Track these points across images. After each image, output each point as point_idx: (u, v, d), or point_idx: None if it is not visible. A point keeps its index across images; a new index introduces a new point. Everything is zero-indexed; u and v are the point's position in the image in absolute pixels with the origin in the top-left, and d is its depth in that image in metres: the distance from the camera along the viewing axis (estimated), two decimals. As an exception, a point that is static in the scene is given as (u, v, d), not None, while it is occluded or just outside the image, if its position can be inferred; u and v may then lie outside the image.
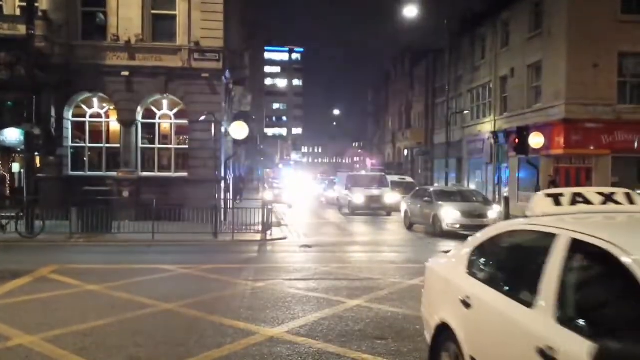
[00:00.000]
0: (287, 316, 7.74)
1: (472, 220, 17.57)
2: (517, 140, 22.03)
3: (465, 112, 35.88)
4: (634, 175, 24.34)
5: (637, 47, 23.90)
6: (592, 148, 24.03)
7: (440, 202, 18.60)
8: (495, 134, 30.39)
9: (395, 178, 32.76)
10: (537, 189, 23.48)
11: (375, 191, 27.24)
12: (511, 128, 26.54)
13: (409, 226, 20.84)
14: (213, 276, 10.74)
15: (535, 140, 22.43)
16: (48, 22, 20.02)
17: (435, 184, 35.64)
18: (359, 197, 26.71)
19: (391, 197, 27.20)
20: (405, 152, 54.02)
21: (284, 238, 17.62)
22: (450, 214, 17.90)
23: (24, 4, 17.90)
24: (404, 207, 21.73)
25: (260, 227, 17.58)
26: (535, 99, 27.21)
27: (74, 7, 21.37)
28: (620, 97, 24.19)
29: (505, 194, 27.48)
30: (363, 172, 42.04)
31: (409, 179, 34.80)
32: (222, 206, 20.75)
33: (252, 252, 14.83)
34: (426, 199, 19.47)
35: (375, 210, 26.96)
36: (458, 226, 17.63)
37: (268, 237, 16.99)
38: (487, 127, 32.64)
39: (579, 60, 23.70)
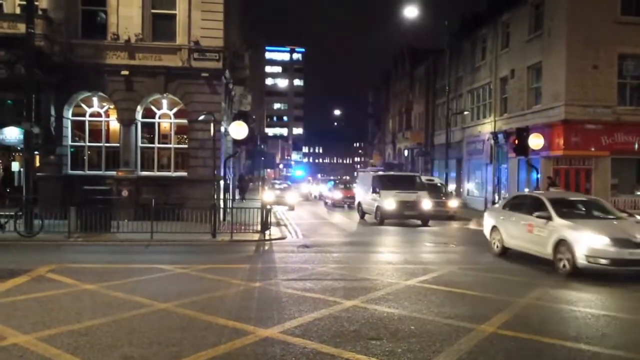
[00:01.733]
0: (282, 316, 7.75)
1: (632, 251, 11.03)
2: (516, 141, 22.03)
3: (466, 112, 35.89)
4: (633, 177, 24.40)
5: (637, 48, 23.94)
6: (591, 149, 24.04)
7: (568, 221, 12.14)
8: (495, 134, 30.40)
9: (422, 179, 27.44)
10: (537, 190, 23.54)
11: (410, 195, 22.77)
12: (511, 129, 26.56)
13: (502, 251, 14.31)
14: (210, 276, 10.75)
15: (535, 141, 22.42)
16: (48, 21, 20.02)
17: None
18: (390, 202, 22.42)
19: (428, 202, 23.00)
20: (406, 152, 54.00)
21: (283, 238, 17.64)
22: (591, 241, 11.27)
23: (24, 2, 17.88)
24: (489, 221, 15.29)
25: (259, 227, 17.60)
26: (535, 100, 27.21)
27: (74, 6, 21.36)
28: (620, 98, 24.22)
29: (505, 195, 27.44)
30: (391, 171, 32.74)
31: (437, 180, 30.34)
32: (222, 206, 20.78)
33: (250, 252, 14.81)
34: (539, 213, 12.74)
35: (409, 219, 23.00)
36: (605, 261, 11.06)
37: (266, 237, 16.99)
38: (487, 127, 32.64)
39: (579, 61, 23.71)
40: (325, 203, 37.30)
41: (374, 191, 23.70)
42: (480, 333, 7.08)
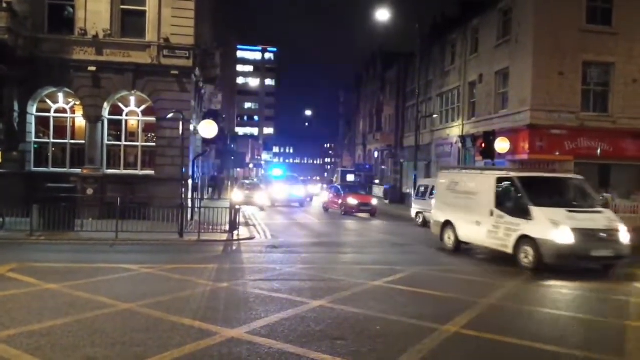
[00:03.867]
0: (248, 317, 7.72)
1: None
2: (483, 145, 22.41)
3: (435, 116, 36.32)
4: (595, 181, 24.94)
5: (601, 56, 24.59)
6: (556, 154, 24.55)
7: None
8: (463, 138, 30.85)
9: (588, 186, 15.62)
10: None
11: (594, 217, 12.76)
12: (478, 133, 27.01)
13: None
14: (176, 276, 10.64)
15: (501, 145, 22.87)
16: (12, 14, 19.49)
17: None
18: (564, 232, 12.05)
19: (625, 232, 12.63)
20: (376, 154, 54.41)
21: (252, 238, 17.55)
22: None
23: (-13, -6, 17.46)
24: None
25: (227, 227, 17.49)
26: (502, 105, 27.70)
27: (41, -1, 20.91)
28: (583, 104, 24.84)
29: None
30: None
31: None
32: (189, 205, 20.57)
33: (218, 252, 14.71)
34: None
35: (598, 262, 12.83)
36: None
37: (235, 237, 16.89)
38: (455, 131, 33.09)
39: (545, 68, 24.25)
40: (326, 210, 31.74)
41: (514, 211, 13.34)
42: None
